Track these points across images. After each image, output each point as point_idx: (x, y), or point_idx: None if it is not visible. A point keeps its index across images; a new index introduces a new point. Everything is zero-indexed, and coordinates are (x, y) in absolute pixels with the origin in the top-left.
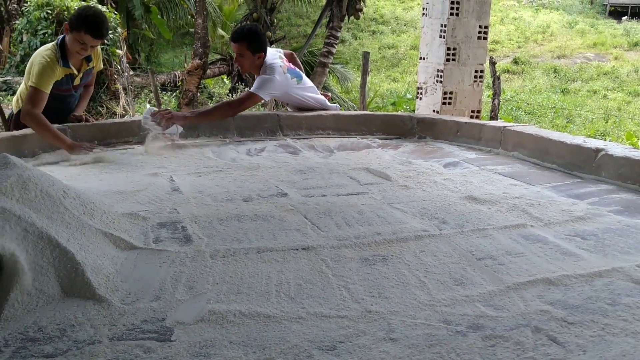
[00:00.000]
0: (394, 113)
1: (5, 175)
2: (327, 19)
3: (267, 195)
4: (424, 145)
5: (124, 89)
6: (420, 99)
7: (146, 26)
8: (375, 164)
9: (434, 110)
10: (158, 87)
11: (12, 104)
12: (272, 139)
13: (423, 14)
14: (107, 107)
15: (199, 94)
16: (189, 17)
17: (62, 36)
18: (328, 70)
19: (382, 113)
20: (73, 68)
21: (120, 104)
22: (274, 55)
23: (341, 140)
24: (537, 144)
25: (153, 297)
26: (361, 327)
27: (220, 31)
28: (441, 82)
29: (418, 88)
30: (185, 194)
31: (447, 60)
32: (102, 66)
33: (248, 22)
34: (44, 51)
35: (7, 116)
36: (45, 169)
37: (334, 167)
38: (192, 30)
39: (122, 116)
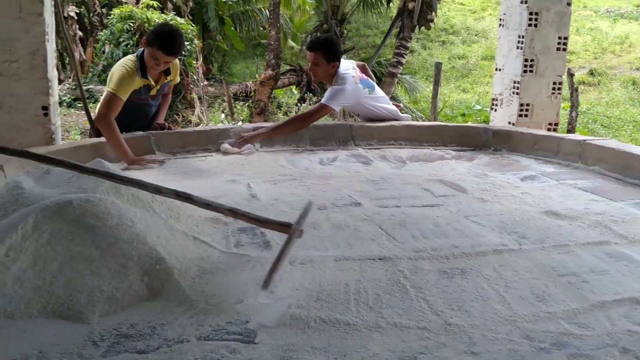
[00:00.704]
0: (469, 124)
1: (101, 179)
2: (398, 30)
3: (341, 205)
4: (500, 158)
5: (199, 98)
6: (495, 110)
7: (220, 37)
8: (450, 175)
9: (509, 122)
10: (231, 97)
11: (97, 111)
12: (344, 149)
13: (500, 24)
14: (182, 116)
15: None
16: (261, 28)
17: (142, 49)
18: (397, 80)
19: (456, 124)
20: (151, 80)
21: (195, 112)
22: (347, 65)
23: (413, 151)
24: (620, 158)
25: (236, 300)
26: (441, 339)
27: (290, 42)
28: (517, 93)
29: (493, 99)
30: (263, 200)
31: (524, 71)
32: (178, 79)
33: (319, 33)
34: (126, 61)
35: None
36: (129, 174)
37: (407, 178)
38: (263, 41)
39: (197, 124)
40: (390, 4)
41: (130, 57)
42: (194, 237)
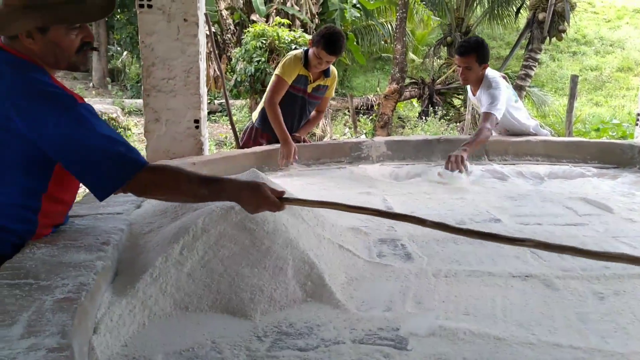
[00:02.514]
0: (612, 140)
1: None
2: (526, 41)
3: (479, 220)
4: None
5: None
6: None
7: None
8: (593, 194)
9: None
10: (354, 111)
11: (253, 116)
12: (478, 164)
13: None
14: None
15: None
16: (382, 43)
17: (306, 48)
18: (525, 93)
19: (598, 140)
20: (310, 74)
21: (319, 125)
22: (494, 71)
23: (552, 168)
24: None
25: (385, 308)
26: None
27: (411, 55)
28: None
29: (638, 114)
30: None
31: None
32: (333, 94)
33: (442, 46)
34: (293, 52)
35: (238, 128)
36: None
37: (547, 196)
38: (384, 55)
39: (321, 137)
40: (518, 15)
41: (298, 50)
42: (339, 245)
